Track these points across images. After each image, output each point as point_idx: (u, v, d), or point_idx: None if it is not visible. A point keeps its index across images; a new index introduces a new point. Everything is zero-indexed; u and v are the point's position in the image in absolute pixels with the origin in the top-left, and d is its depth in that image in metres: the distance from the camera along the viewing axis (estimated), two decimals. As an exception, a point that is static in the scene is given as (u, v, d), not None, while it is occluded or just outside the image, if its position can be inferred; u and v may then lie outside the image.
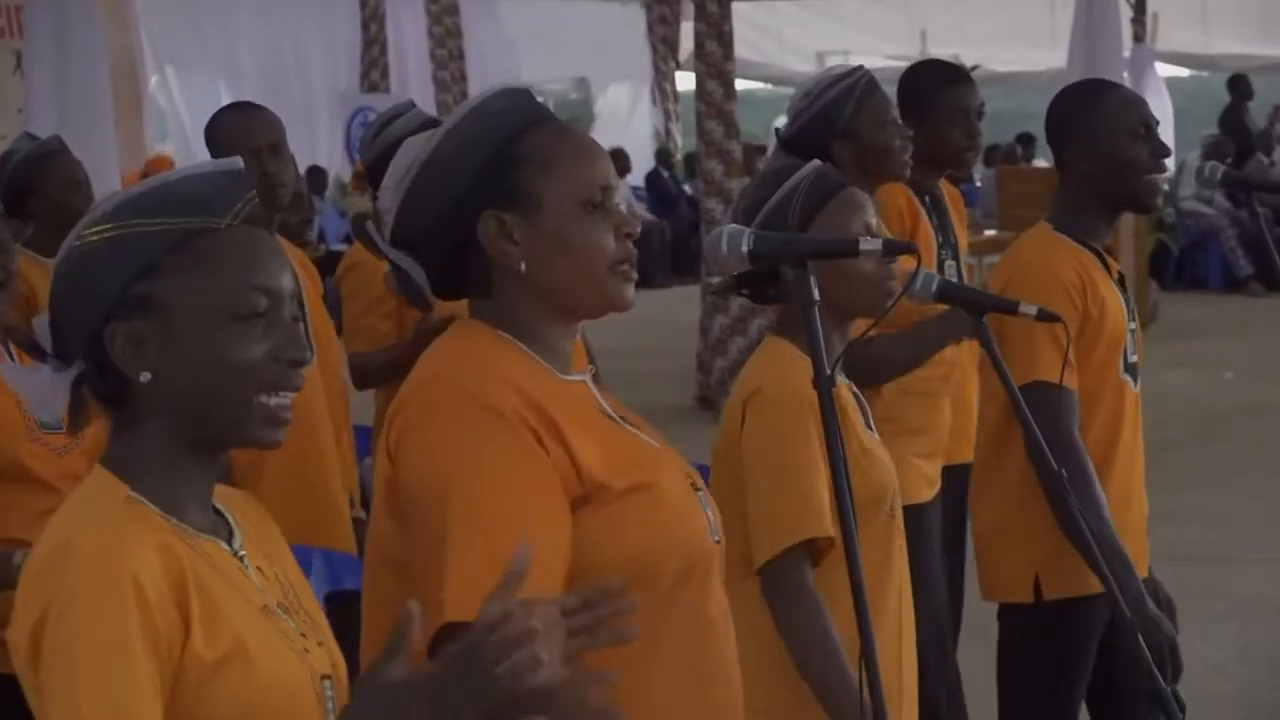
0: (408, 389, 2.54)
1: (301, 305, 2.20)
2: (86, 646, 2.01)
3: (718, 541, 2.62)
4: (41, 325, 2.20)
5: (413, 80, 19.33)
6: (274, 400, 2.16)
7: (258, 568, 2.21)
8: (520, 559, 2.06)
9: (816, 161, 3.49)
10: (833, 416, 2.67)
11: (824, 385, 2.68)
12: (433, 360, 2.57)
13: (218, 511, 2.24)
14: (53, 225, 5.84)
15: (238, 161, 2.24)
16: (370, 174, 5.44)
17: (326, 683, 2.18)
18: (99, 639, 2.01)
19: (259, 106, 5.17)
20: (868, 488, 3.22)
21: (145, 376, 2.14)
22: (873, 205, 3.50)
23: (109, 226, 2.16)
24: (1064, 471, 3.54)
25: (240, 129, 4.91)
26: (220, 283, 2.14)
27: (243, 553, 2.20)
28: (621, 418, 2.63)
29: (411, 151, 2.57)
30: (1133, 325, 4.26)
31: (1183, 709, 3.63)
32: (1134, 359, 4.25)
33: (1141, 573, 4.27)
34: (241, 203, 2.20)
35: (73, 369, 2.17)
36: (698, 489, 2.62)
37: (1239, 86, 20.43)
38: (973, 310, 3.58)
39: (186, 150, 18.96)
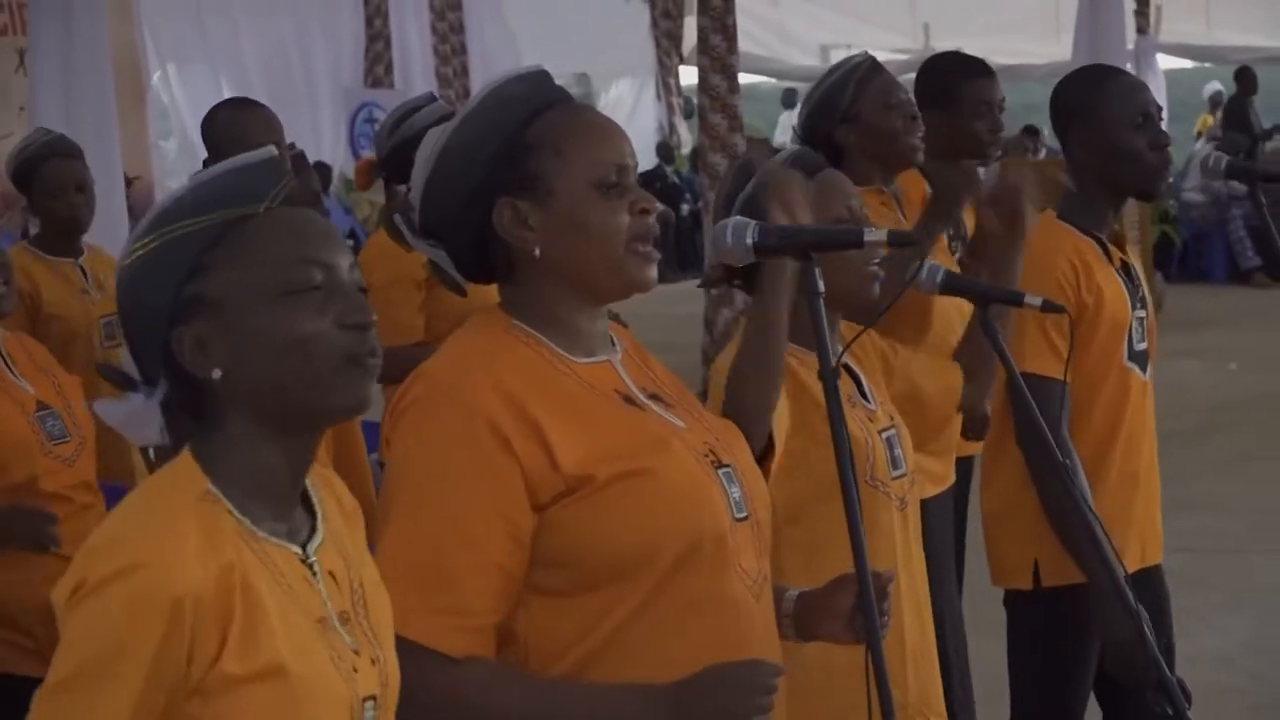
0: (408, 379, 2.58)
1: (361, 281, 2.19)
2: (90, 644, 2.01)
3: (744, 518, 2.62)
4: (126, 356, 2.20)
5: (416, 75, 19.30)
6: (354, 370, 2.13)
7: (329, 573, 2.18)
8: None
9: (794, 146, 3.49)
10: (837, 406, 2.67)
11: (829, 376, 2.68)
12: (438, 355, 2.61)
13: (308, 505, 2.22)
14: (46, 224, 5.88)
15: (271, 150, 2.22)
16: (385, 166, 5.45)
17: (369, 704, 2.17)
18: (103, 643, 2.01)
19: (258, 103, 5.18)
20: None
21: (217, 374, 2.11)
22: (853, 188, 3.48)
23: (151, 238, 2.15)
24: (1069, 463, 3.54)
25: (239, 127, 4.93)
26: (266, 264, 2.12)
27: (313, 559, 2.17)
28: (652, 395, 2.64)
29: (431, 141, 2.60)
30: (1141, 313, 4.25)
31: (1189, 699, 3.63)
32: (1141, 346, 4.24)
33: (1151, 560, 4.28)
34: (278, 188, 2.17)
35: (159, 390, 2.15)
36: (721, 465, 2.62)
37: (1244, 79, 20.41)
38: (978, 301, 3.58)
39: (188, 147, 18.93)
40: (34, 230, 6.05)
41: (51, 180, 5.86)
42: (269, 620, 2.06)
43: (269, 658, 2.05)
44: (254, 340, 2.11)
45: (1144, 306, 4.28)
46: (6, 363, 4.52)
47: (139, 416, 2.16)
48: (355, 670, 2.14)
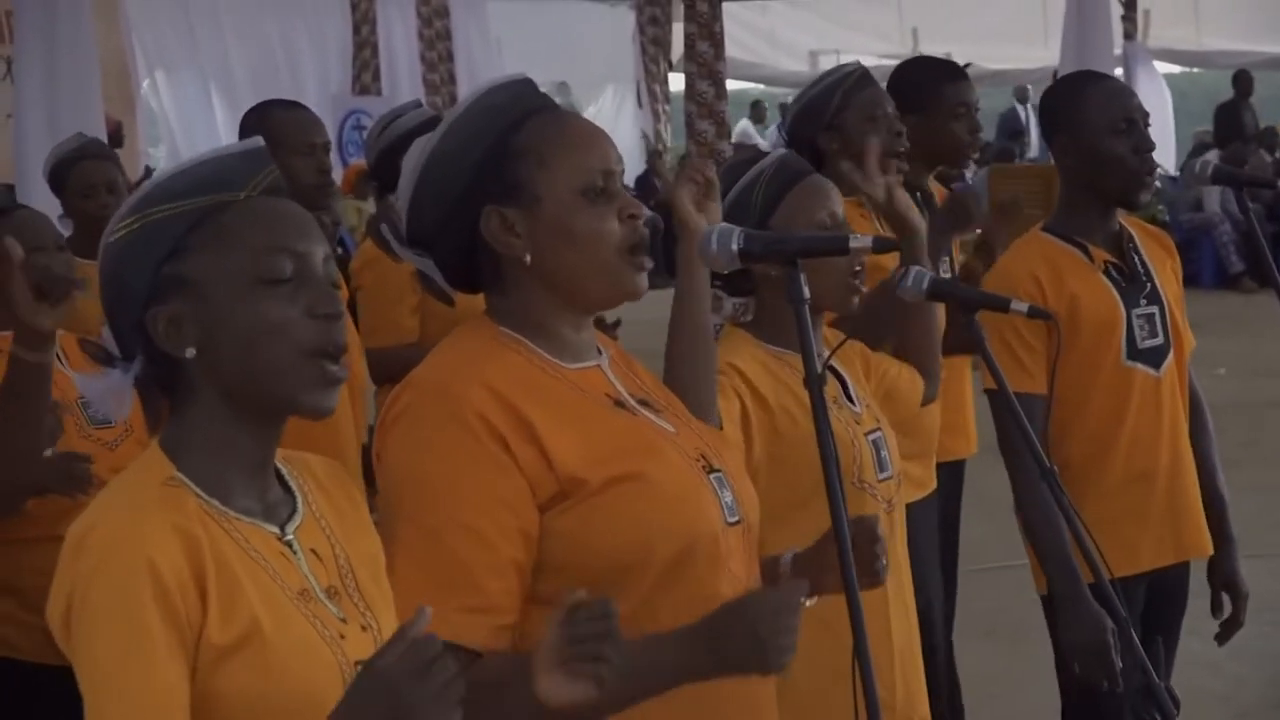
0: (395, 390, 2.58)
1: (336, 275, 2.23)
2: (105, 636, 2.05)
3: (735, 522, 2.62)
4: (107, 333, 2.25)
5: (403, 83, 19.31)
6: (323, 366, 2.17)
7: (311, 550, 2.22)
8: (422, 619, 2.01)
9: (781, 150, 3.49)
10: (823, 413, 2.66)
11: (815, 384, 2.67)
12: (425, 362, 2.60)
13: (287, 487, 2.26)
14: (79, 227, 5.95)
15: (258, 140, 2.27)
16: (374, 172, 5.47)
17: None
18: (117, 627, 2.04)
19: (302, 105, 5.26)
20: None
21: (190, 352, 2.16)
22: (836, 194, 3.48)
23: (133, 219, 2.20)
24: (1055, 468, 3.53)
25: (299, 125, 5.03)
26: (242, 251, 2.17)
27: (290, 537, 2.21)
28: (641, 400, 2.65)
29: (417, 151, 2.60)
30: (1149, 309, 4.23)
31: (1177, 705, 3.63)
32: (1151, 343, 4.21)
33: (1169, 559, 4.28)
34: (261, 176, 2.22)
35: (134, 367, 2.21)
36: (712, 470, 2.62)
37: (1242, 83, 20.44)
38: (964, 308, 3.57)
39: (175, 154, 18.93)
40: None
41: (82, 181, 5.96)
42: (244, 589, 2.11)
43: (246, 623, 2.09)
44: (225, 324, 2.16)
45: (1155, 302, 4.25)
46: (60, 356, 4.56)
47: (114, 391, 2.22)
48: (342, 636, 2.18)
